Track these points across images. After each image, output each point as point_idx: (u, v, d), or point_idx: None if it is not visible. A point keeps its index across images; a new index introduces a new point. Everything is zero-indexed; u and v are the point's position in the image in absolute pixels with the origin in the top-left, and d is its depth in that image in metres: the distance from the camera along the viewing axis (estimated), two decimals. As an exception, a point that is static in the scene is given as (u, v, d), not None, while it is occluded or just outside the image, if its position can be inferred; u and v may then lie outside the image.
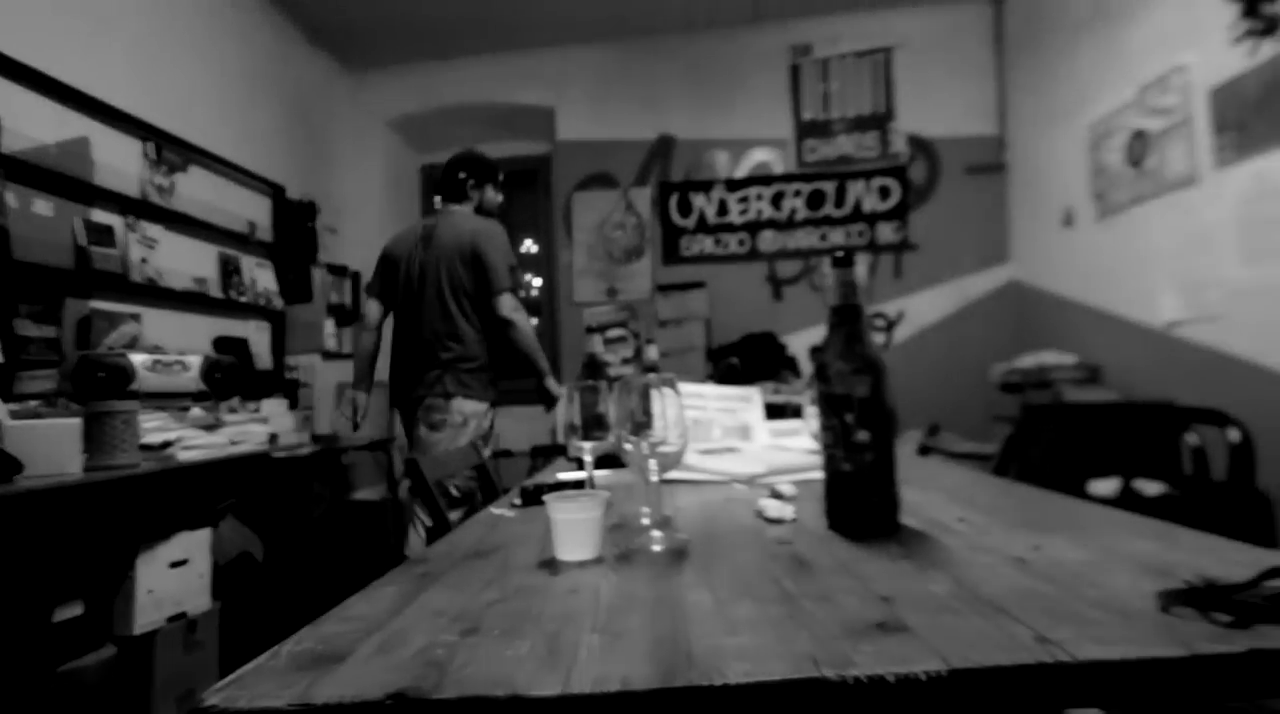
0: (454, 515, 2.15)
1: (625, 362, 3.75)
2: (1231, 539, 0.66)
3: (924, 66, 4.12)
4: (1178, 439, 1.96)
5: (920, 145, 4.10)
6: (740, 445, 1.50)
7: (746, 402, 1.64)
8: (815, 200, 4.08)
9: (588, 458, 1.03)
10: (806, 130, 4.14)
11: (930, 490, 1.02)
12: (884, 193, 4.07)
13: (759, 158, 4.21)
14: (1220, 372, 2.58)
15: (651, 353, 2.43)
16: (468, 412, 2.39)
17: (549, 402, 2.58)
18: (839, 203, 4.10)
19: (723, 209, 4.15)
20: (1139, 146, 3.01)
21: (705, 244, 4.14)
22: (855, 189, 4.09)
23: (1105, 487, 1.96)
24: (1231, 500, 2.22)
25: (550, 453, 3.87)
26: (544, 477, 1.41)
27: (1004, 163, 4.07)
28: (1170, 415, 2.18)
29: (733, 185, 4.15)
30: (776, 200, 4.10)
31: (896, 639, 0.48)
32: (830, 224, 4.07)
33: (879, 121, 4.10)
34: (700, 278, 4.09)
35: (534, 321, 4.34)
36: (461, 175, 2.57)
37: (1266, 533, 2.32)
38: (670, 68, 4.31)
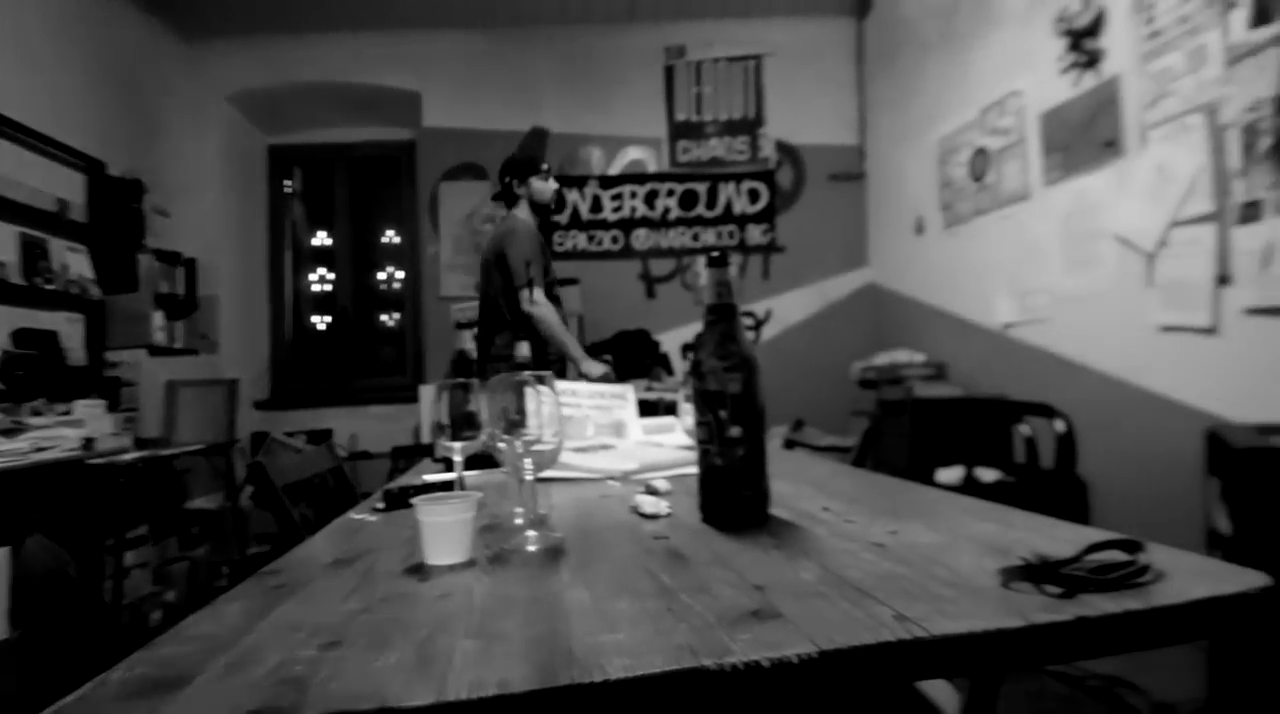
0: None
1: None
2: (1057, 519, 0.75)
3: (792, 76, 4.35)
4: (1011, 430, 2.19)
5: (788, 151, 4.33)
6: (614, 442, 1.51)
7: (620, 399, 1.65)
8: (688, 200, 4.20)
9: (457, 458, 1.00)
10: (680, 131, 4.26)
11: (798, 483, 1.07)
12: (753, 196, 4.27)
13: (633, 156, 4.27)
14: (1047, 368, 2.92)
15: (523, 350, 2.40)
16: None
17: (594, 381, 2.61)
18: (711, 204, 4.25)
19: (596, 205, 4.18)
20: (980, 163, 3.34)
21: (579, 240, 4.15)
22: (726, 191, 4.26)
23: (950, 475, 2.17)
24: (1055, 485, 2.52)
25: (413, 454, 3.72)
26: (408, 479, 1.35)
27: (863, 172, 4.38)
28: (1006, 409, 2.44)
29: (607, 182, 4.18)
30: (650, 199, 4.19)
31: (771, 626, 0.50)
32: (702, 224, 4.21)
33: (749, 126, 4.29)
34: (573, 274, 4.09)
35: (395, 315, 4.13)
36: (506, 180, 2.80)
37: (1083, 512, 2.64)
38: (544, 59, 4.27)
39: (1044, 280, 2.96)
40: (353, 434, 4.07)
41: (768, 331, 4.25)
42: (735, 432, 0.86)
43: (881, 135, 4.28)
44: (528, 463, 0.81)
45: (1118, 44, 2.57)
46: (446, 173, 4.20)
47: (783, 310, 4.26)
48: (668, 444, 1.48)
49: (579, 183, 4.18)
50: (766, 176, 4.26)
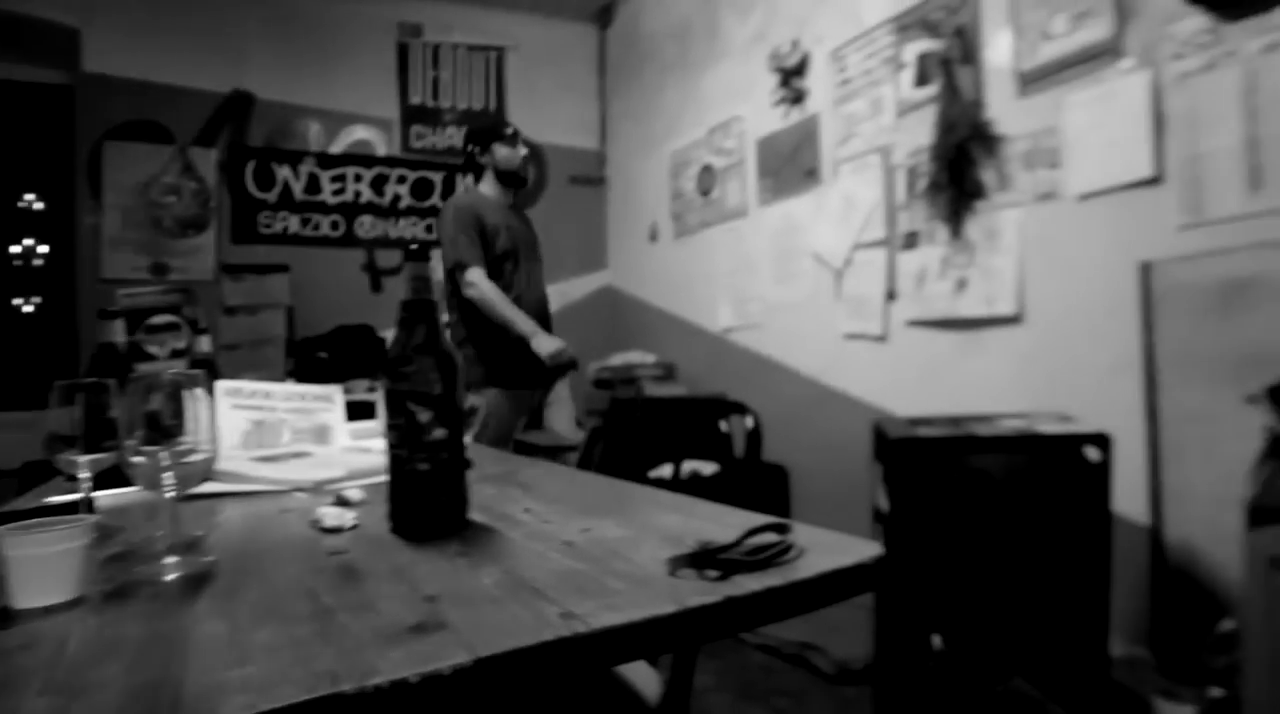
0: None
1: (176, 354, 3.17)
2: (763, 505, 0.83)
3: (536, 74, 4.39)
4: (715, 424, 2.45)
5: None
6: (313, 449, 1.38)
7: (326, 401, 1.52)
8: (421, 189, 4.02)
9: (85, 475, 0.84)
10: (414, 115, 4.06)
11: (507, 485, 1.07)
12: (493, 191, 4.23)
13: (360, 135, 3.99)
14: (759, 369, 3.29)
15: (203, 345, 2.09)
16: None
17: (545, 366, 2.44)
18: (447, 194, 4.12)
19: (314, 186, 3.82)
20: (708, 179, 3.67)
21: (291, 223, 3.76)
22: (464, 183, 4.16)
23: (666, 470, 2.34)
24: (761, 474, 2.84)
25: (52, 470, 3.07)
26: (25, 502, 1.10)
27: (604, 177, 4.57)
28: (717, 406, 2.70)
29: (327, 161, 3.85)
30: (378, 184, 3.94)
31: (431, 639, 0.48)
32: (436, 215, 4.07)
33: (489, 119, 4.25)
34: (283, 260, 3.69)
35: (35, 299, 3.37)
36: (469, 148, 2.66)
37: (785, 497, 3.01)
38: (253, 15, 3.81)
39: (757, 290, 3.34)
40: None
41: (504, 332, 4.24)
42: (438, 434, 0.83)
43: (621, 143, 4.51)
44: (169, 477, 0.70)
45: (818, 86, 2.99)
46: (113, 130, 3.53)
47: (522, 310, 4.29)
48: (377, 449, 1.39)
49: (293, 159, 3.78)
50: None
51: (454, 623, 0.50)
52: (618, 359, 3.74)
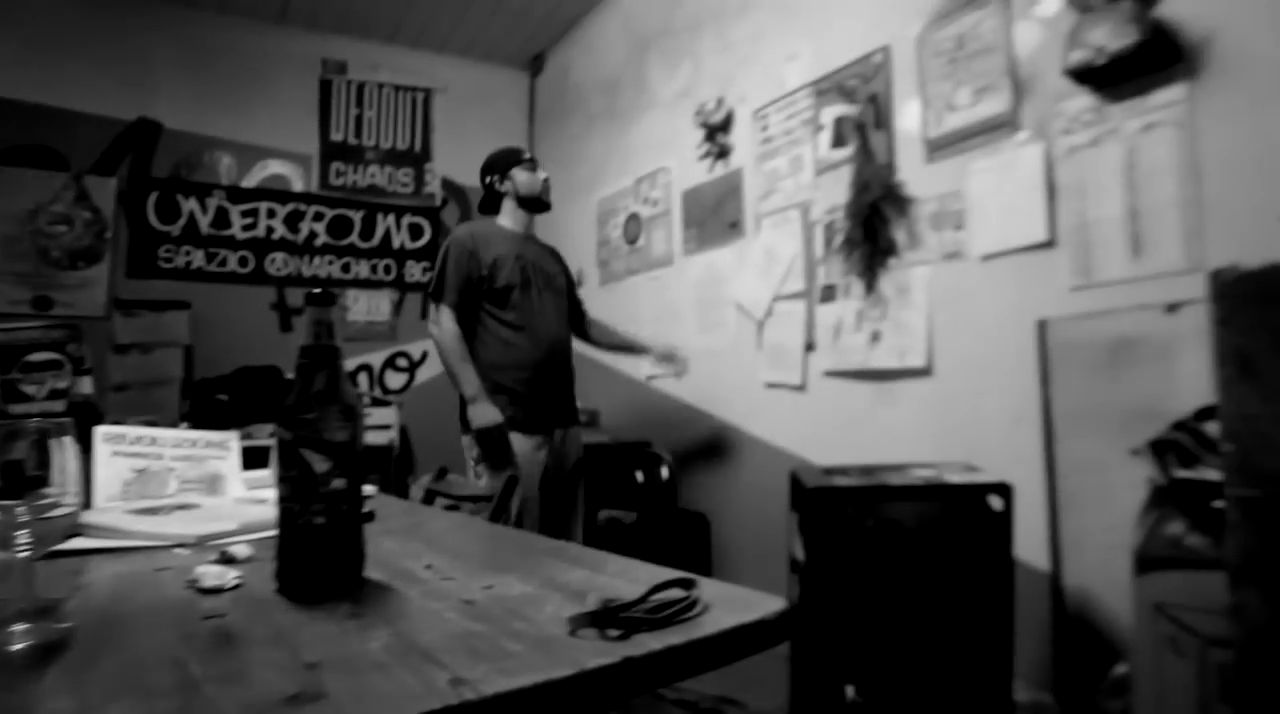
0: None
1: (56, 395, 2.96)
2: (683, 554, 0.82)
3: (463, 116, 4.40)
4: (634, 473, 2.45)
5: (455, 190, 4.34)
6: (202, 500, 1.29)
7: (220, 448, 1.44)
8: (339, 227, 3.94)
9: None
10: (335, 152, 4.00)
11: (411, 539, 1.03)
12: (415, 231, 4.17)
13: (275, 170, 3.89)
14: (681, 417, 3.31)
15: (84, 386, 1.95)
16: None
17: (472, 433, 2.37)
18: (367, 234, 4.05)
19: (222, 220, 3.68)
20: (634, 227, 3.73)
21: (195, 257, 3.59)
22: (385, 222, 4.10)
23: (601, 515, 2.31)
24: (681, 521, 2.83)
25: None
26: None
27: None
28: (635, 454, 2.69)
29: (238, 195, 3.72)
30: (293, 220, 3.83)
31: (305, 712, 0.45)
32: (355, 255, 3.98)
33: (415, 159, 4.22)
34: (184, 297, 3.52)
35: None
36: (487, 180, 2.60)
37: (706, 545, 3.01)
38: (164, 41, 3.70)
39: (681, 338, 3.38)
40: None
41: (424, 374, 4.14)
42: (338, 484, 0.79)
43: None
44: (22, 535, 0.64)
45: (742, 142, 3.11)
46: None
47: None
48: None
49: (201, 191, 3.65)
50: (431, 213, 4.21)
51: (334, 693, 0.47)
52: (539, 405, 3.70)
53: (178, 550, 0.98)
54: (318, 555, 0.76)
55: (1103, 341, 1.82)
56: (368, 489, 1.42)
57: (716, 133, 3.21)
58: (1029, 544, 1.87)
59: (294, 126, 3.92)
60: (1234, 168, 1.65)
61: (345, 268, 3.92)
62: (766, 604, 0.63)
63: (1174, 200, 1.74)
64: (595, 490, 2.76)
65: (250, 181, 3.80)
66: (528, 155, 2.64)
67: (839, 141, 2.64)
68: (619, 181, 3.85)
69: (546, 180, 2.65)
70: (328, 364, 0.81)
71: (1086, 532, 1.82)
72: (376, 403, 3.63)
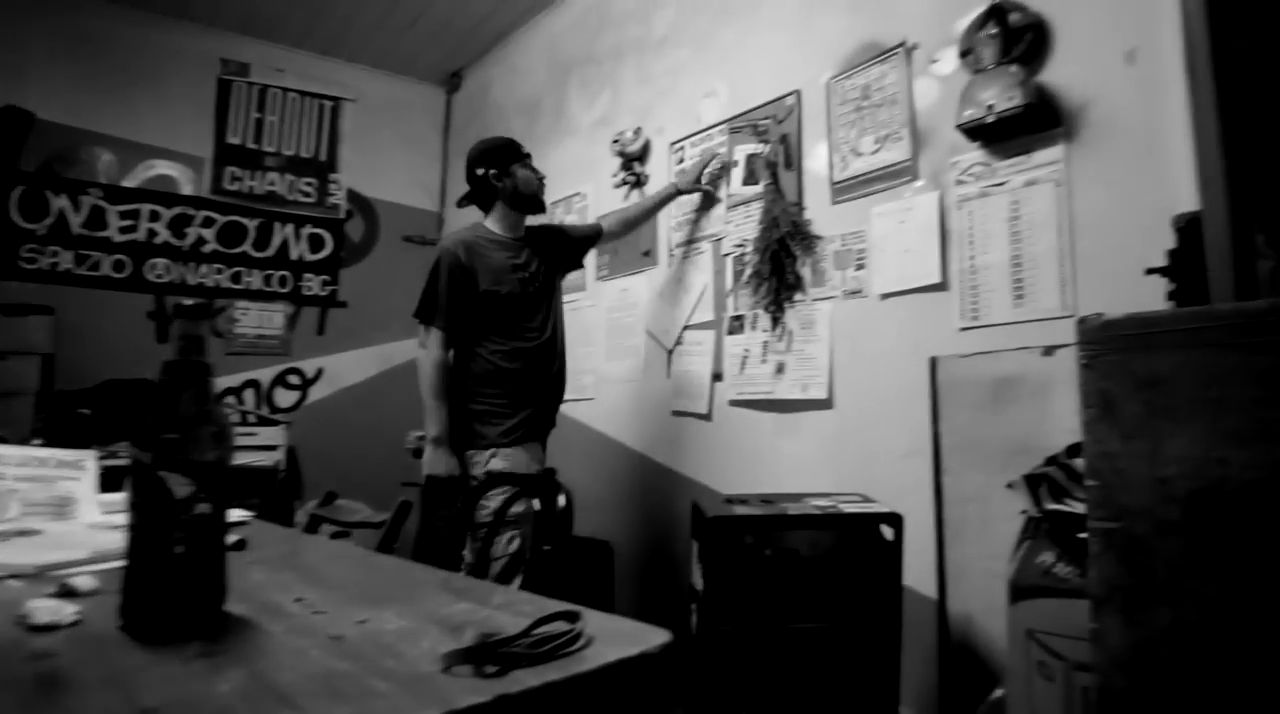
0: None
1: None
2: (584, 583, 0.80)
3: (375, 128, 4.29)
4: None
5: (361, 204, 4.21)
6: (47, 526, 1.18)
7: (73, 468, 1.32)
8: (231, 235, 3.72)
9: None
10: (230, 156, 3.79)
11: (285, 569, 0.96)
12: (316, 243, 3.99)
13: (162, 171, 3.67)
14: (590, 443, 3.29)
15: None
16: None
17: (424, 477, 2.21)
18: (262, 244, 3.84)
19: (98, 221, 3.42)
20: (546, 251, 3.71)
21: (63, 259, 3.31)
22: (283, 233, 3.90)
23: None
24: (581, 550, 2.79)
25: None
26: None
27: (439, 240, 4.49)
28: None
29: (118, 195, 3.46)
30: (178, 225, 3.59)
31: (131, 766, 0.40)
32: (248, 264, 3.76)
33: (319, 169, 4.05)
34: (45, 302, 3.23)
35: None
36: (481, 173, 2.41)
37: (609, 573, 2.97)
38: (40, 25, 3.45)
39: (592, 363, 3.38)
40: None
41: (317, 392, 3.95)
42: (202, 509, 0.74)
43: (461, 208, 4.47)
44: None
45: (657, 172, 3.16)
46: None
47: (337, 370, 4.03)
48: (133, 527, 1.21)
49: (74, 188, 3.38)
50: (334, 225, 4.04)
51: (167, 743, 0.43)
52: (441, 428, 3.59)
53: (10, 582, 0.89)
54: (170, 588, 0.70)
55: (987, 380, 1.93)
56: (241, 515, 1.33)
57: (633, 162, 3.25)
58: (918, 572, 1.94)
59: (186, 127, 3.70)
60: (1104, 224, 1.80)
61: (235, 278, 3.70)
62: (651, 637, 0.62)
63: (1052, 251, 1.88)
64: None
65: (133, 181, 3.55)
66: (526, 149, 2.53)
67: (750, 179, 2.72)
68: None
69: (543, 179, 2.55)
70: (195, 382, 0.76)
71: (970, 560, 1.91)
72: (262, 421, 3.43)
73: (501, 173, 2.45)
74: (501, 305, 2.36)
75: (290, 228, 3.80)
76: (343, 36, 4.03)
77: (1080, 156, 1.85)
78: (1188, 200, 1.40)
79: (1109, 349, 0.91)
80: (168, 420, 0.74)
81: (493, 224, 2.49)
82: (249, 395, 3.83)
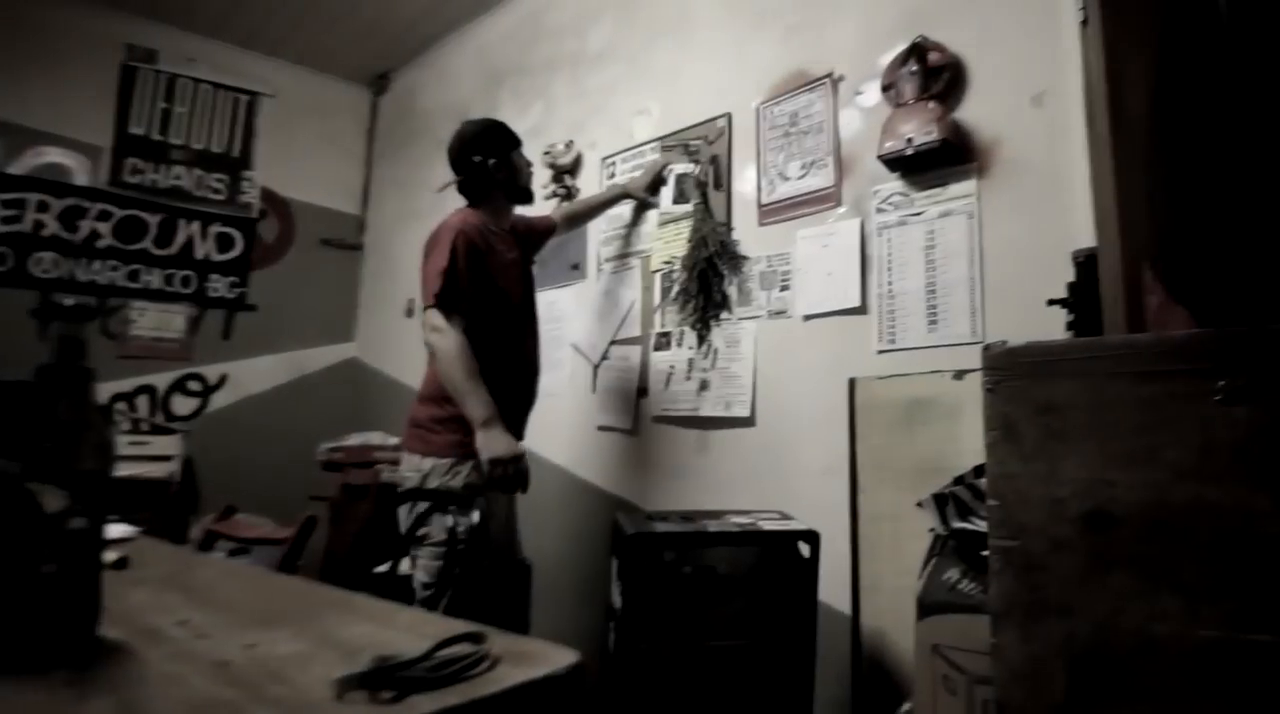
0: None
1: None
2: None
3: (294, 126, 4.15)
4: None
5: (276, 204, 4.06)
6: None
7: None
8: (130, 230, 3.52)
9: None
10: (132, 146, 3.60)
11: (168, 590, 0.90)
12: (225, 242, 3.82)
13: (54, 158, 3.44)
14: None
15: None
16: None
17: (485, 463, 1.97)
18: (164, 241, 3.65)
19: (-26, 208, 3.20)
20: (471, 260, 3.65)
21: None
22: (189, 230, 3.72)
23: (402, 565, 2.17)
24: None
25: None
26: None
27: (361, 244, 4.37)
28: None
29: (1, 182, 3.24)
30: (70, 218, 3.38)
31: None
32: (148, 262, 3.56)
33: (232, 165, 3.89)
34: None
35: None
36: (475, 159, 2.21)
37: (526, 591, 2.91)
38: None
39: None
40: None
41: (222, 399, 3.76)
42: (78, 524, 0.69)
43: (385, 213, 4.37)
44: None
45: (589, 187, 3.16)
46: None
47: (244, 377, 3.84)
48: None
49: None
50: (246, 224, 3.89)
51: (15, 784, 0.39)
52: (355, 439, 3.47)
53: None
54: (37, 610, 0.64)
55: (902, 401, 2.01)
56: (126, 531, 1.25)
57: (564, 174, 3.24)
58: (834, 589, 1.99)
59: (83, 113, 3.49)
60: (1011, 256, 1.90)
61: (133, 276, 3.50)
62: (559, 658, 0.61)
63: (964, 280, 1.97)
64: (404, 538, 2.61)
65: (19, 168, 3.31)
66: (518, 136, 2.40)
67: (680, 197, 2.75)
68: (436, 190, 3.77)
69: (531, 166, 2.44)
70: (73, 388, 0.71)
71: (882, 577, 1.97)
72: (156, 430, 3.24)
73: (502, 161, 2.28)
74: (505, 305, 2.24)
75: (197, 225, 3.62)
76: (263, 29, 3.89)
77: (991, 191, 1.95)
78: (1086, 236, 1.50)
79: (1011, 375, 0.96)
80: (41, 428, 0.69)
81: (488, 216, 2.28)
82: (143, 402, 3.60)
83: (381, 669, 0.53)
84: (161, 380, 3.65)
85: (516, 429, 2.28)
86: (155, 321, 3.58)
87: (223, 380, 3.74)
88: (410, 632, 0.70)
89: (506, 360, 2.22)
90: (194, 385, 3.68)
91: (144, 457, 3.03)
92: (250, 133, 3.95)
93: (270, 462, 3.70)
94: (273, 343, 3.91)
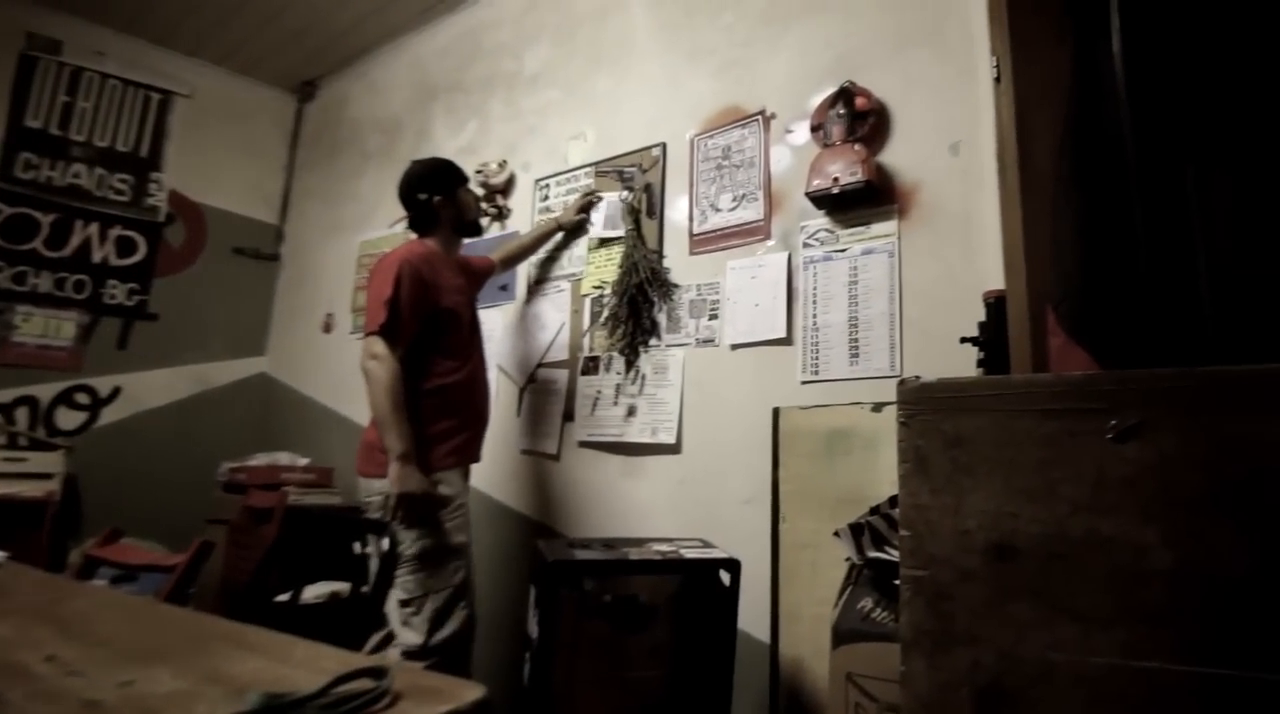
0: None
1: None
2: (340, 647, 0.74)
3: (210, 129, 4.00)
4: (352, 544, 2.29)
5: (187, 208, 3.88)
6: None
7: None
8: (19, 229, 3.29)
9: None
10: (27, 140, 3.38)
11: (41, 622, 0.84)
12: (126, 247, 3.62)
13: (-65, 147, 3.21)
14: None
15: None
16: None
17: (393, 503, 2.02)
18: (56, 242, 3.43)
19: None
20: (396, 276, 3.57)
21: None
22: (86, 232, 3.51)
23: (310, 593, 2.07)
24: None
25: None
26: None
27: (278, 254, 4.22)
28: (357, 523, 2.48)
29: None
30: (-49, 212, 3.16)
31: None
32: (36, 264, 3.33)
33: (138, 166, 3.70)
34: None
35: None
36: (422, 198, 2.33)
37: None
38: None
39: (437, 398, 3.25)
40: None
41: (113, 414, 3.52)
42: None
43: (306, 223, 4.23)
44: None
45: (521, 208, 3.15)
46: None
47: (139, 390, 3.62)
48: None
49: None
50: (150, 229, 3.69)
51: None
52: (261, 459, 3.32)
53: None
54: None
55: (824, 431, 2.06)
56: (-7, 555, 1.15)
57: (497, 194, 3.22)
58: (754, 617, 2.00)
59: (-27, 103, 3.28)
60: (929, 294, 1.99)
61: (19, 278, 3.26)
62: (464, 693, 0.59)
63: (884, 315, 2.05)
64: (309, 563, 2.50)
65: (-103, 156, 3.08)
66: (466, 172, 2.51)
67: (613, 223, 2.77)
68: (386, 223, 3.70)
69: (480, 201, 2.54)
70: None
71: (801, 605, 2.00)
72: (35, 445, 3.00)
73: (448, 198, 2.41)
74: (457, 325, 2.33)
75: (95, 227, 3.40)
76: (180, 26, 3.74)
77: (911, 232, 2.04)
78: (997, 279, 1.58)
79: (923, 409, 1.00)
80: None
81: (438, 246, 2.42)
82: (22, 414, 3.35)
83: (270, 708, 0.50)
84: (45, 391, 3.40)
85: (476, 448, 2.40)
86: (41, 327, 3.33)
87: (115, 393, 3.50)
88: (306, 667, 0.67)
89: (463, 379, 2.31)
90: (82, 397, 3.43)
91: (19, 475, 2.80)
92: (161, 133, 3.77)
93: (165, 482, 3.49)
94: (174, 354, 3.70)
